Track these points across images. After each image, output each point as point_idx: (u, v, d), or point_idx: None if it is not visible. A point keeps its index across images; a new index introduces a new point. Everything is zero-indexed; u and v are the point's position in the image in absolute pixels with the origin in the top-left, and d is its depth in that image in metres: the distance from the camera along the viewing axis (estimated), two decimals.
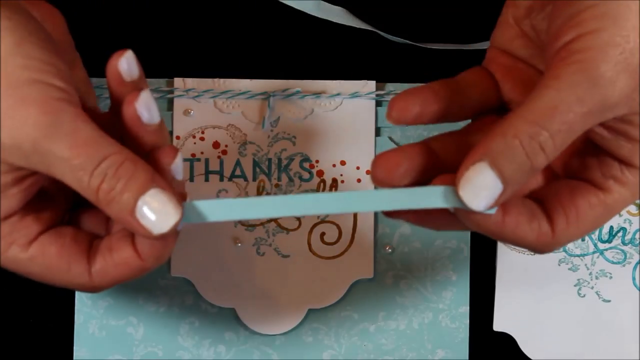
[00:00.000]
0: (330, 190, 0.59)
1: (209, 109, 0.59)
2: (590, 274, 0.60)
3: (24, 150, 0.42)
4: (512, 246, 0.60)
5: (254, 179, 0.59)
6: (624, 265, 0.60)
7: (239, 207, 0.44)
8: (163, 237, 0.43)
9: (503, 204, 0.42)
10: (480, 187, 0.41)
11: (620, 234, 0.60)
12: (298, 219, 0.59)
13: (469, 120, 0.48)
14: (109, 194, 0.42)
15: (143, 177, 0.42)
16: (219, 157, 0.59)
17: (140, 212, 0.42)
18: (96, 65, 0.59)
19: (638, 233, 0.60)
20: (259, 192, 0.59)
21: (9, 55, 0.42)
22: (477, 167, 0.41)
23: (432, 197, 0.42)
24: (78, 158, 0.41)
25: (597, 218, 0.44)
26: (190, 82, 0.58)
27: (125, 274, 0.45)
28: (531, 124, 0.41)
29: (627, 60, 0.40)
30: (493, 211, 0.42)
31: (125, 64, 0.44)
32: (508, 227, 0.43)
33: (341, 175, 0.59)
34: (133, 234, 0.44)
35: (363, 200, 0.43)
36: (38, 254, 0.45)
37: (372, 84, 0.59)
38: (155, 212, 0.42)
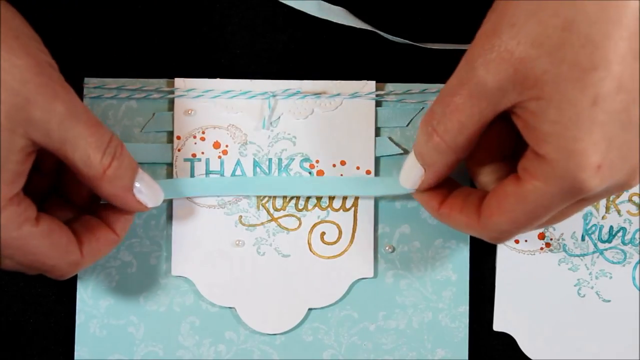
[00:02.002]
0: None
1: (210, 109, 0.59)
2: (590, 274, 0.60)
3: (51, 126, 0.46)
4: (512, 246, 0.60)
5: None
6: (624, 265, 0.60)
7: (208, 184, 0.56)
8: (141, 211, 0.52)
9: (441, 195, 0.52)
10: (406, 169, 0.52)
11: (620, 234, 0.60)
12: (298, 219, 0.59)
13: None
14: (116, 172, 0.48)
15: (133, 159, 0.50)
16: (219, 157, 0.59)
17: (137, 189, 0.51)
18: (96, 65, 0.59)
19: (638, 233, 0.60)
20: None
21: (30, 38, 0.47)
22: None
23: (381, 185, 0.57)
24: (93, 136, 0.47)
25: (515, 208, 0.47)
26: (191, 82, 0.59)
27: (107, 250, 0.52)
28: (427, 112, 0.48)
29: (503, 54, 0.44)
30: (411, 189, 0.53)
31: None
32: (443, 213, 0.52)
33: (341, 175, 0.59)
34: (103, 216, 0.52)
35: (324, 184, 0.56)
36: (47, 230, 0.48)
37: (372, 84, 0.59)
38: (147, 188, 0.51)
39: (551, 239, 0.60)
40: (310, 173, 0.59)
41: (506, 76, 0.44)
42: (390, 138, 0.59)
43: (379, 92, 0.59)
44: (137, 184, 0.51)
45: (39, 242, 0.48)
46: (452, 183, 0.53)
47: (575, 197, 0.45)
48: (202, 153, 0.59)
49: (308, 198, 0.59)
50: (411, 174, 0.52)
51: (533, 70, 0.43)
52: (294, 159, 0.59)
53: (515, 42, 0.43)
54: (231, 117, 0.59)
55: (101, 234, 0.52)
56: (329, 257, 0.59)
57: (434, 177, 0.51)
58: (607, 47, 0.42)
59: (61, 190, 0.53)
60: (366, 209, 0.59)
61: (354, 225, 0.59)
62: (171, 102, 0.59)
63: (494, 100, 0.45)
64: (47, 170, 0.52)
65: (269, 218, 0.59)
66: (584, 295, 0.60)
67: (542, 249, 0.60)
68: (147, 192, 0.51)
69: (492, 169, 0.51)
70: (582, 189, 0.44)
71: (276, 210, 0.59)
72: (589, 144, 0.43)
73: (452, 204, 0.52)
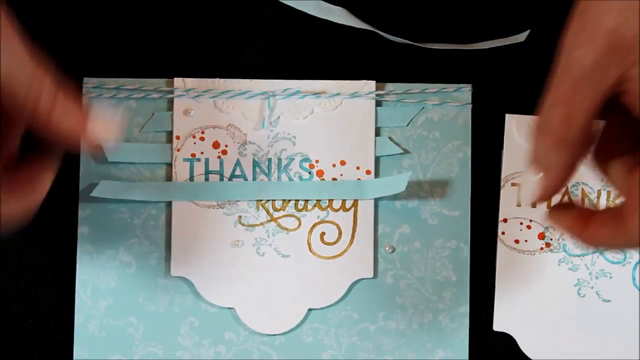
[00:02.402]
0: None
1: (209, 109, 0.59)
2: (590, 274, 0.60)
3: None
4: (512, 246, 0.60)
5: (254, 179, 0.59)
6: (624, 265, 0.60)
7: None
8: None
9: (583, 217, 0.47)
10: (524, 184, 0.47)
11: None
12: (298, 219, 0.59)
13: None
14: (60, 115, 0.45)
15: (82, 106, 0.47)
16: (219, 157, 0.59)
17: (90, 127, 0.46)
18: (96, 65, 0.59)
19: None
20: None
21: None
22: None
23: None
24: (35, 81, 0.44)
25: None
26: (190, 82, 0.58)
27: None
28: (537, 116, 0.44)
29: (593, 30, 0.42)
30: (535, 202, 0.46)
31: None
32: (589, 232, 0.47)
33: (341, 175, 0.59)
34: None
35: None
36: None
37: (372, 84, 0.59)
38: (101, 128, 0.47)
39: (551, 239, 0.60)
40: (310, 173, 0.59)
41: (601, 50, 0.42)
42: (390, 138, 0.59)
43: (379, 92, 0.59)
44: (89, 124, 0.46)
45: None
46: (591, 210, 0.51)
47: None
48: (202, 153, 0.59)
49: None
50: (529, 185, 0.47)
51: (625, 36, 0.42)
52: (293, 159, 0.59)
53: (602, 16, 0.42)
54: (230, 117, 0.59)
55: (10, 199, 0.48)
56: (328, 257, 0.59)
57: (552, 182, 0.46)
58: None
59: None
60: (366, 209, 0.59)
61: (354, 225, 0.59)
62: (170, 102, 0.59)
63: (595, 80, 0.43)
64: None
65: (269, 218, 0.59)
66: (584, 295, 0.60)
67: (542, 249, 0.60)
68: (100, 129, 0.47)
69: (620, 162, 0.49)
70: None
71: (276, 210, 0.59)
72: None
73: (597, 222, 0.47)
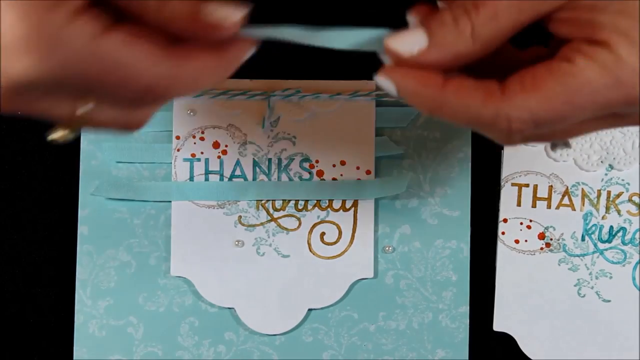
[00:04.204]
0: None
1: (209, 109, 0.59)
2: (590, 274, 0.60)
3: None
4: (512, 246, 0.60)
5: (254, 179, 0.59)
6: (624, 265, 0.60)
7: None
8: (235, 30, 0.42)
9: (444, 76, 0.41)
10: (405, 35, 0.42)
11: (620, 234, 0.60)
12: (298, 219, 0.59)
13: None
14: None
15: None
16: (219, 157, 0.59)
17: (208, 9, 0.41)
18: None
19: (638, 233, 0.60)
20: None
21: None
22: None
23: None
24: None
25: (554, 86, 0.41)
26: None
27: (209, 73, 0.42)
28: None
29: None
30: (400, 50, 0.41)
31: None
32: (449, 90, 0.41)
33: (341, 175, 0.59)
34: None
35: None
36: (125, 40, 0.39)
37: (372, 84, 0.59)
38: (220, 7, 0.41)
39: (551, 239, 0.60)
40: (310, 173, 0.59)
41: None
42: (390, 138, 0.59)
43: (379, 92, 0.59)
44: (204, 6, 0.40)
45: (117, 53, 0.39)
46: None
47: (627, 98, 0.41)
48: (202, 153, 0.59)
49: None
50: (411, 39, 0.42)
51: None
52: (293, 159, 0.59)
53: None
54: (231, 117, 0.59)
55: (200, 54, 0.41)
56: (328, 258, 0.59)
57: (434, 57, 0.41)
58: None
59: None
60: (366, 209, 0.59)
61: (354, 226, 0.59)
62: (170, 102, 0.59)
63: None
64: None
65: (269, 218, 0.59)
66: (584, 295, 0.60)
67: (542, 249, 0.60)
68: (219, 9, 0.41)
69: None
70: (636, 85, 0.40)
71: (276, 210, 0.59)
72: None
73: (461, 84, 0.42)
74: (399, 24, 0.44)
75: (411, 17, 0.43)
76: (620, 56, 0.40)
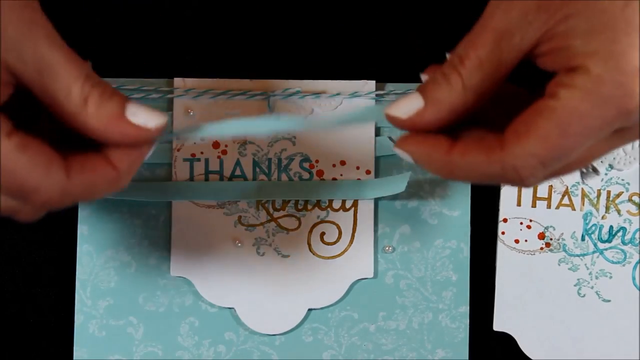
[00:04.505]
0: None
1: (209, 109, 0.59)
2: (590, 274, 0.60)
3: (25, 49, 0.43)
4: (512, 246, 0.60)
5: (254, 179, 0.59)
6: (624, 265, 0.60)
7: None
8: (154, 136, 0.45)
9: (448, 140, 0.44)
10: (402, 100, 0.44)
11: (620, 233, 0.60)
12: (298, 219, 0.59)
13: None
14: (99, 99, 0.43)
15: (121, 94, 0.45)
16: (218, 157, 0.59)
17: (132, 111, 0.44)
18: (97, 65, 0.59)
19: (638, 233, 0.60)
20: None
21: None
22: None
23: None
24: (72, 64, 0.43)
25: (547, 124, 0.42)
26: (191, 82, 0.58)
27: (105, 185, 0.45)
28: (450, 54, 0.44)
29: None
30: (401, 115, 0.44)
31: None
32: (456, 153, 0.44)
33: (341, 175, 0.59)
34: (106, 151, 0.45)
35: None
36: (22, 144, 0.43)
37: (372, 84, 0.59)
38: (142, 110, 0.44)
39: (551, 239, 0.60)
40: (310, 173, 0.59)
41: (529, 7, 0.42)
42: (390, 138, 0.59)
43: (379, 92, 0.59)
44: (130, 107, 0.44)
45: (14, 156, 0.43)
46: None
47: (618, 111, 0.41)
48: (202, 153, 0.59)
49: None
50: (408, 103, 0.44)
51: None
52: (293, 159, 0.59)
53: None
54: (230, 117, 0.59)
55: (98, 166, 0.45)
56: (328, 257, 0.59)
57: (432, 115, 0.44)
58: None
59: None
60: (366, 209, 0.59)
61: (354, 225, 0.59)
62: (170, 102, 0.59)
63: (519, 35, 0.42)
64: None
65: (269, 218, 0.59)
66: (584, 295, 0.60)
67: (542, 249, 0.60)
68: (143, 113, 0.44)
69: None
70: (626, 96, 0.41)
71: (276, 210, 0.59)
72: (627, 46, 0.40)
73: (466, 145, 0.44)
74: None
75: (424, 77, 0.46)
76: (597, 75, 0.41)
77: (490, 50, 0.43)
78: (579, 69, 0.41)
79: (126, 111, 0.44)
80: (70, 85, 0.43)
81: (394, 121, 0.45)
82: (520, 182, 0.43)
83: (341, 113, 0.49)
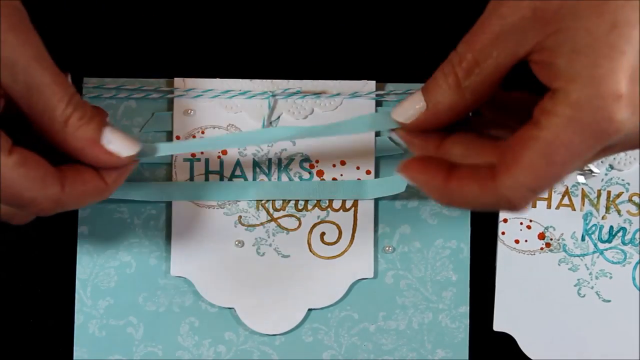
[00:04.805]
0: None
1: (209, 109, 0.59)
2: (590, 274, 0.60)
3: (18, 69, 0.45)
4: (512, 246, 0.60)
5: (254, 179, 0.59)
6: (624, 265, 0.60)
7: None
8: (126, 163, 0.49)
9: (443, 171, 0.46)
10: (405, 102, 0.47)
11: (620, 234, 0.60)
12: (298, 219, 0.59)
13: None
14: (79, 122, 0.47)
15: (103, 115, 0.48)
16: (219, 157, 0.59)
17: (107, 138, 0.48)
18: (97, 65, 0.59)
19: (638, 233, 0.60)
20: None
21: None
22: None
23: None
24: (58, 86, 0.46)
25: (532, 154, 0.43)
26: (191, 82, 0.58)
27: (94, 195, 0.49)
28: (451, 54, 0.46)
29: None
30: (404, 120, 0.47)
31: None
32: (453, 182, 0.46)
33: (341, 175, 0.59)
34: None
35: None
36: (21, 161, 0.46)
37: (372, 84, 0.59)
38: (117, 138, 0.48)
39: (551, 239, 0.60)
40: (310, 173, 0.59)
41: (526, 14, 0.42)
42: (390, 138, 0.59)
43: (379, 92, 0.59)
44: (106, 134, 0.48)
45: (13, 172, 0.46)
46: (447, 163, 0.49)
47: (599, 135, 0.42)
48: (202, 153, 0.59)
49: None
50: (410, 106, 0.47)
51: (551, 5, 0.42)
52: (293, 159, 0.59)
53: None
54: (231, 117, 0.59)
55: (89, 179, 0.49)
56: (328, 258, 0.59)
57: (433, 116, 0.46)
58: None
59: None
60: (366, 209, 0.59)
61: (354, 226, 0.59)
62: (170, 102, 0.59)
63: (514, 40, 0.43)
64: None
65: (269, 218, 0.59)
66: (584, 295, 0.60)
67: (542, 249, 0.60)
68: (117, 141, 0.48)
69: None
70: (605, 121, 0.41)
71: (276, 210, 0.59)
72: (608, 71, 0.41)
73: (461, 176, 0.46)
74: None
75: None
76: (576, 100, 0.42)
77: (486, 53, 0.44)
78: (560, 92, 0.42)
79: (102, 137, 0.48)
80: (55, 105, 0.46)
81: (399, 125, 0.48)
82: (513, 209, 0.45)
83: (337, 122, 0.50)
